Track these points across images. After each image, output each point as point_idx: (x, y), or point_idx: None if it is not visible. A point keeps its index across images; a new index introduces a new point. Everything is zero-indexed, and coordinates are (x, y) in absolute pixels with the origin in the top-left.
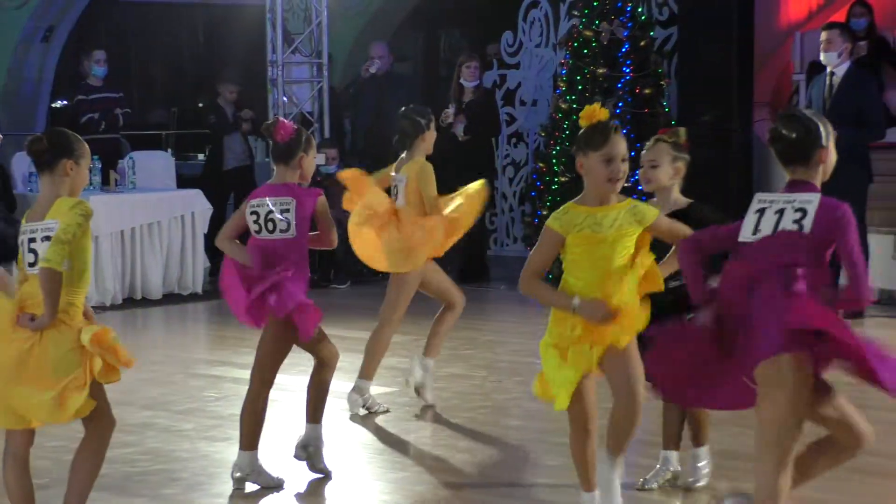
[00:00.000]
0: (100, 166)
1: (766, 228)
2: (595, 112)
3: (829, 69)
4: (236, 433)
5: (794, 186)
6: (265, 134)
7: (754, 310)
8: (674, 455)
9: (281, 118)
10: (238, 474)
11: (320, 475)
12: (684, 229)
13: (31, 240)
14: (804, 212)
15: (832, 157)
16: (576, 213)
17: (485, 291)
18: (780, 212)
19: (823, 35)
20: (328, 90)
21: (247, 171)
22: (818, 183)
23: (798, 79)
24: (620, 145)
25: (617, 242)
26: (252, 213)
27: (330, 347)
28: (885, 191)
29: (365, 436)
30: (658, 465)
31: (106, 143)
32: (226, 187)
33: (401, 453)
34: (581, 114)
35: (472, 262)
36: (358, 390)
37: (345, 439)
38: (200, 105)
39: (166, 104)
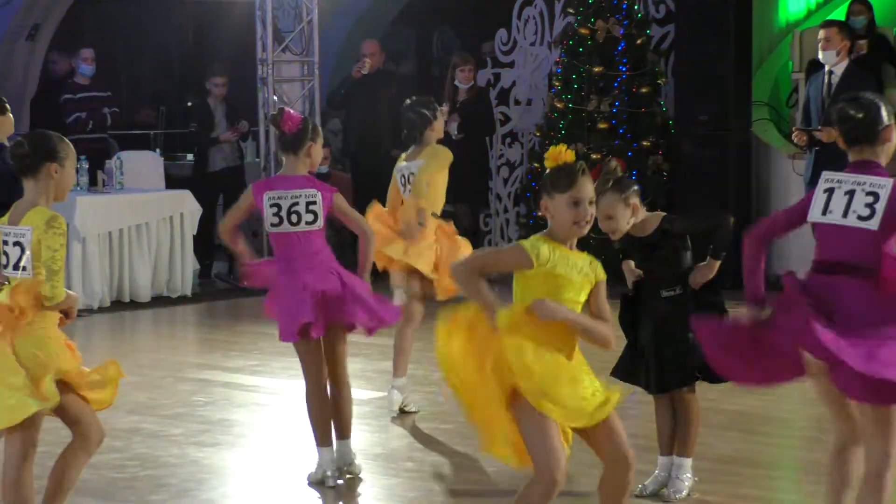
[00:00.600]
0: (87, 166)
1: (837, 211)
2: (561, 153)
3: (827, 68)
4: (226, 438)
5: (861, 167)
6: (272, 125)
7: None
8: (688, 462)
9: (287, 108)
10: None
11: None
12: (607, 310)
13: (4, 242)
14: (876, 196)
15: (893, 137)
16: (551, 247)
17: None
18: (850, 193)
19: (821, 33)
20: (319, 89)
21: (236, 171)
22: (884, 163)
23: (797, 77)
24: (587, 188)
25: (580, 292)
26: (273, 205)
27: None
28: None
29: (358, 441)
30: (657, 471)
31: (93, 143)
32: (214, 188)
33: (395, 459)
34: (546, 154)
35: None
36: (400, 389)
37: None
38: (189, 104)
39: (154, 103)
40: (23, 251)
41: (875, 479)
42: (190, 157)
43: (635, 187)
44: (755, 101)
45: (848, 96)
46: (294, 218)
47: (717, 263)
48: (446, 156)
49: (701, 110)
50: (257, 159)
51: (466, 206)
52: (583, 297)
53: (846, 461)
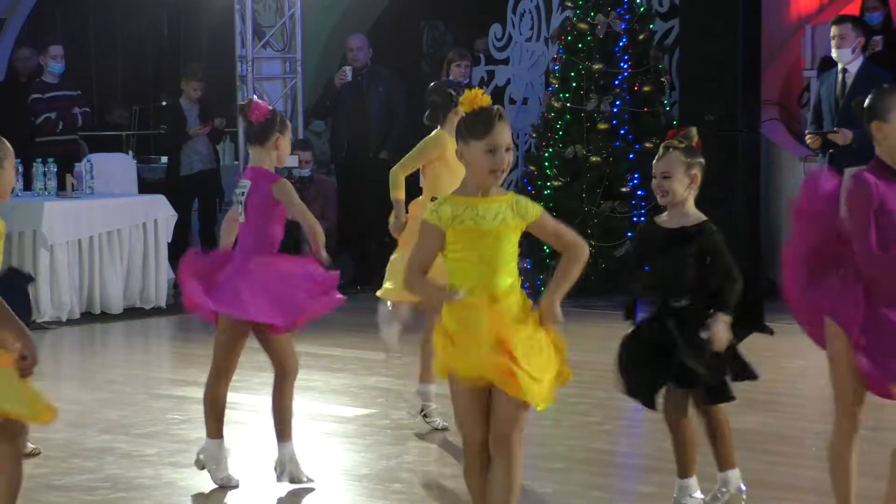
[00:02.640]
0: (55, 170)
1: None
2: (476, 98)
3: (840, 66)
4: None
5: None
6: (240, 115)
7: None
8: (732, 474)
9: (255, 98)
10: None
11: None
12: (571, 234)
13: None
14: None
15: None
16: (455, 205)
17: None
18: None
19: (834, 30)
20: (302, 87)
21: (212, 174)
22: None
23: (809, 75)
24: (504, 134)
25: (502, 237)
26: (234, 194)
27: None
28: None
29: (344, 461)
30: (717, 486)
31: (63, 145)
32: (189, 193)
33: (383, 480)
34: (460, 99)
35: None
36: (424, 395)
37: (323, 465)
38: (164, 104)
39: (127, 103)
40: None
41: None
42: (164, 159)
43: (701, 161)
44: (765, 100)
45: (882, 88)
46: (241, 208)
47: (728, 319)
48: None
49: (707, 110)
50: (235, 162)
51: None
52: (507, 245)
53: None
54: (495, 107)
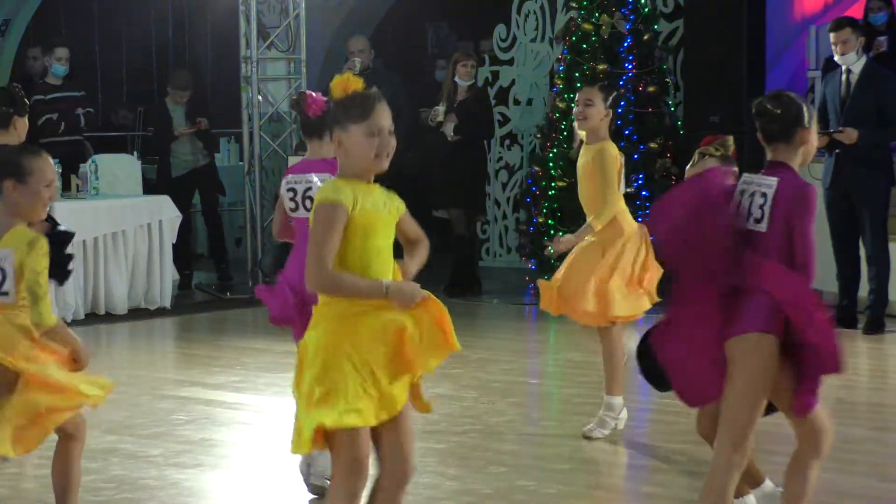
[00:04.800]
0: (60, 171)
1: (755, 212)
2: (349, 81)
3: (844, 66)
4: (207, 459)
5: (771, 168)
6: (294, 110)
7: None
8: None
9: (309, 91)
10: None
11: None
12: (421, 233)
13: None
14: (765, 197)
15: (813, 141)
16: (356, 188)
17: (476, 305)
18: (752, 195)
19: (833, 37)
20: (306, 88)
21: (207, 169)
22: (797, 165)
23: (813, 76)
24: (386, 116)
25: (388, 226)
26: (289, 189)
27: None
28: None
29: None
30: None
31: (67, 146)
32: (186, 191)
33: None
34: (331, 85)
35: (461, 273)
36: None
37: (323, 467)
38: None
39: (132, 103)
40: (4, 275)
41: None
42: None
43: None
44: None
45: (772, 92)
46: (308, 203)
47: None
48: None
49: (712, 111)
50: (240, 162)
51: (462, 213)
52: (390, 239)
53: None
54: (373, 89)
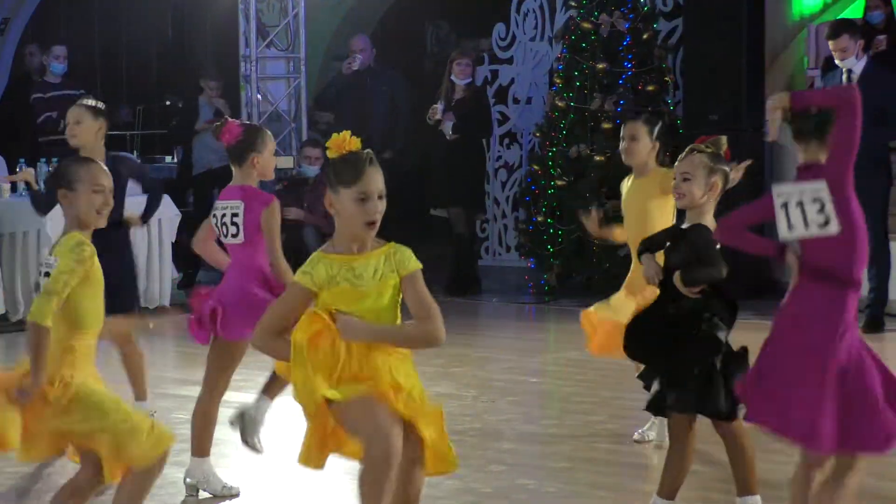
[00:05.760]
0: None
1: (798, 224)
2: (345, 141)
3: (845, 67)
4: None
5: (807, 171)
6: (214, 135)
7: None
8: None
9: (229, 119)
10: (189, 480)
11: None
12: (434, 316)
13: (40, 273)
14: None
15: None
16: (329, 265)
17: (475, 304)
18: (800, 204)
19: (832, 44)
20: (306, 87)
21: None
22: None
23: (812, 75)
24: (376, 180)
25: (382, 295)
26: (213, 215)
27: None
28: None
29: (346, 461)
30: None
31: (65, 145)
32: (206, 189)
33: None
34: (328, 143)
35: (461, 272)
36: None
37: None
38: (168, 103)
39: (132, 102)
40: None
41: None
42: (169, 158)
43: (726, 170)
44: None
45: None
46: (224, 230)
47: (680, 284)
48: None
49: (711, 109)
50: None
51: (462, 212)
52: (387, 300)
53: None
54: (366, 151)
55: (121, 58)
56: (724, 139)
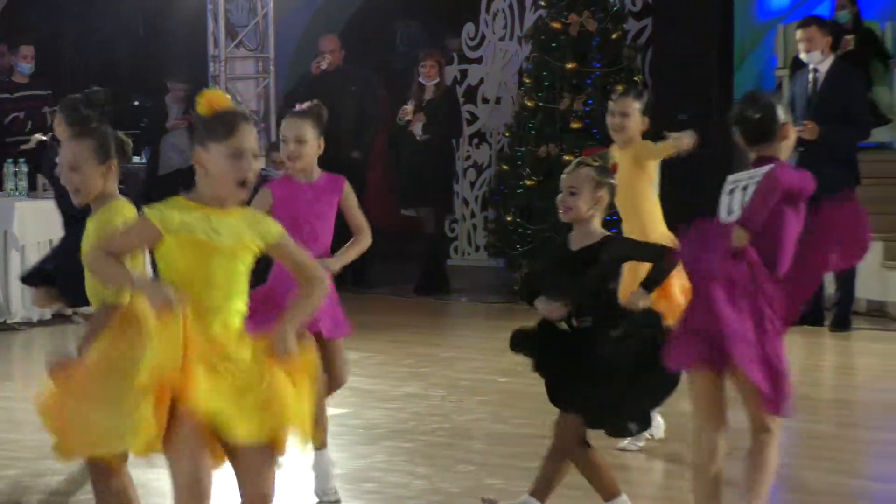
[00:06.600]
0: (26, 170)
1: (736, 208)
2: (216, 97)
3: (812, 65)
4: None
5: (760, 162)
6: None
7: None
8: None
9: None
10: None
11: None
12: (313, 267)
13: None
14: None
15: (792, 133)
16: (186, 210)
17: (444, 304)
18: (745, 189)
19: (800, 34)
20: (275, 87)
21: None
22: (784, 157)
23: (781, 74)
24: (250, 138)
25: (236, 256)
26: None
27: None
28: (873, 194)
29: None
30: None
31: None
32: (168, 193)
33: (353, 480)
34: (197, 98)
35: (430, 272)
36: None
37: (291, 465)
38: (136, 103)
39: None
40: None
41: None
42: (137, 159)
43: (612, 183)
44: (738, 98)
45: (745, 97)
46: None
47: (648, 296)
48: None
49: (680, 109)
50: None
51: (431, 211)
52: (241, 266)
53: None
54: (240, 108)
55: (90, 58)
56: (611, 152)
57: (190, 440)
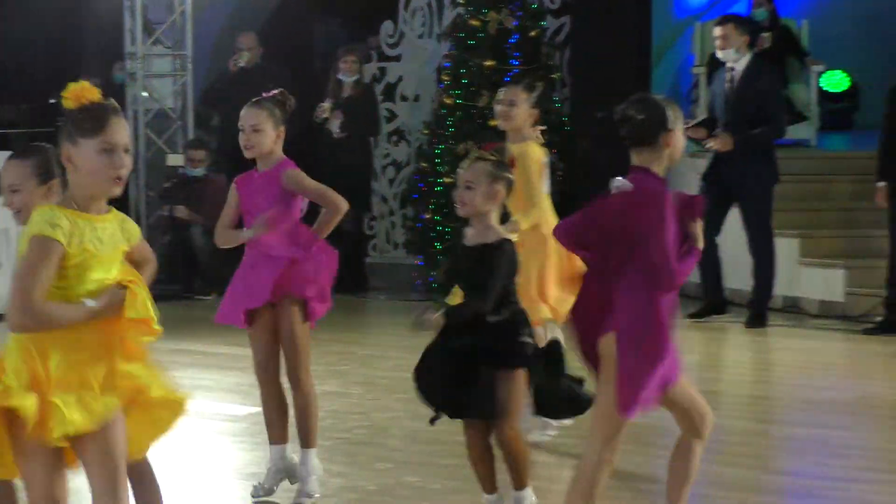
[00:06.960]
0: None
1: None
2: (84, 90)
3: (728, 64)
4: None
5: (633, 172)
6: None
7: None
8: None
9: None
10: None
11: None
12: (148, 255)
13: None
14: None
15: (680, 142)
16: (74, 221)
17: (363, 302)
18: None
19: (717, 31)
20: (193, 85)
21: None
22: (661, 170)
23: (697, 72)
24: (122, 132)
25: (112, 265)
26: None
27: None
28: (790, 191)
29: (234, 460)
30: None
31: None
32: None
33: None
34: (63, 93)
35: (349, 270)
36: None
37: (211, 465)
38: (52, 101)
39: (15, 101)
40: None
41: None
42: None
43: (510, 179)
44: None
45: (636, 97)
46: None
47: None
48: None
49: (598, 107)
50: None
51: (349, 210)
52: (114, 272)
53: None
54: (110, 101)
55: (3, 55)
56: (507, 147)
57: (38, 454)
